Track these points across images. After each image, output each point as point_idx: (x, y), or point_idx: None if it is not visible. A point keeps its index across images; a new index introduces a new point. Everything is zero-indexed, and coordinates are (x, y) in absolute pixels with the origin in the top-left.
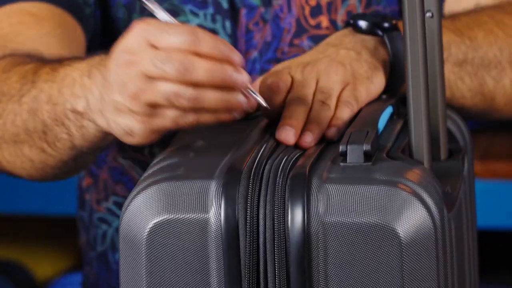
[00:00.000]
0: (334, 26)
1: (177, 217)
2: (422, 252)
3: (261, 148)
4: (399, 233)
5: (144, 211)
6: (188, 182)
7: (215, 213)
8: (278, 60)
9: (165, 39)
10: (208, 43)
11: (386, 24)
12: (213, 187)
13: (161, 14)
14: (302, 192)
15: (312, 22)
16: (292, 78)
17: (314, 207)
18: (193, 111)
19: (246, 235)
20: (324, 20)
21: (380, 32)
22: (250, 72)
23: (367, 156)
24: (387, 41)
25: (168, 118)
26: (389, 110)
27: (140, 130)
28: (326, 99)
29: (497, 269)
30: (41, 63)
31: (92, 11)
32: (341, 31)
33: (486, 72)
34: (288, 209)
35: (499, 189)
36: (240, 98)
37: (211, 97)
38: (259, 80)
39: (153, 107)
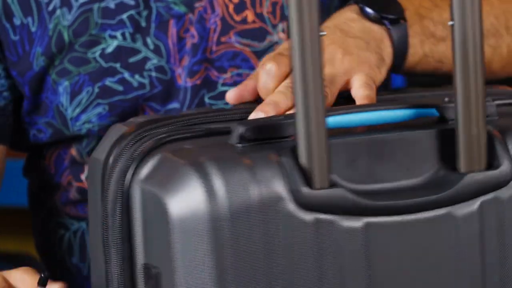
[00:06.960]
0: (261, 19)
1: None
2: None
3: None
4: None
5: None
6: None
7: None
8: (207, 61)
9: None
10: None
11: (392, 16)
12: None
13: None
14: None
15: (237, 18)
16: None
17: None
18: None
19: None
20: (249, 15)
21: (387, 24)
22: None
23: (242, 138)
24: (394, 35)
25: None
26: None
27: None
28: (325, 86)
29: None
30: None
31: (7, 102)
32: (348, 14)
33: (485, 42)
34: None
35: None
36: None
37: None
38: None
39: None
